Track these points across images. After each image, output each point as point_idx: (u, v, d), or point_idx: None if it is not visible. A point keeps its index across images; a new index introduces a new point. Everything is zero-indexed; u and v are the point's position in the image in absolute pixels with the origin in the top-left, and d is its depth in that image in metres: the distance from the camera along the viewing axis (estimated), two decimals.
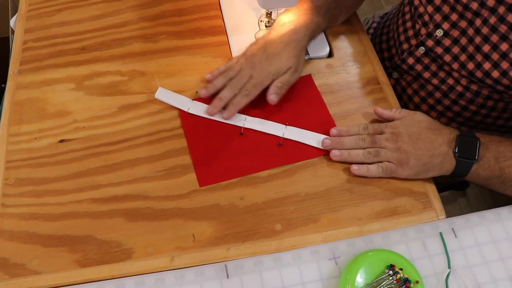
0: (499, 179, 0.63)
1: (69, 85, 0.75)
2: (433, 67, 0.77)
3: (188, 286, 0.57)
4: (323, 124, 0.71)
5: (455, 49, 0.72)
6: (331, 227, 0.62)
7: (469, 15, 0.68)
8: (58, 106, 0.72)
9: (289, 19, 0.72)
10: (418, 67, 0.79)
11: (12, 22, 0.86)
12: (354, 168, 0.65)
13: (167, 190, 0.65)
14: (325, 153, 0.68)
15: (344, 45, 0.81)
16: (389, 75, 0.83)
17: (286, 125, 0.70)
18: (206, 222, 0.62)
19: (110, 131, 0.70)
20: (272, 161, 0.67)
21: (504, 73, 0.67)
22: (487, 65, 0.68)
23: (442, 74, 0.76)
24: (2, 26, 1.18)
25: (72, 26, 0.82)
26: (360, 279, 0.55)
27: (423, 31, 0.76)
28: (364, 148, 0.66)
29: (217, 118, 0.70)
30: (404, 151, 0.64)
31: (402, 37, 0.82)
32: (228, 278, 0.58)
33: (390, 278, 0.54)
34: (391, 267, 0.55)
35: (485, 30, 0.67)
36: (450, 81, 0.75)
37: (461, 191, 1.25)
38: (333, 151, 0.67)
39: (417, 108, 0.83)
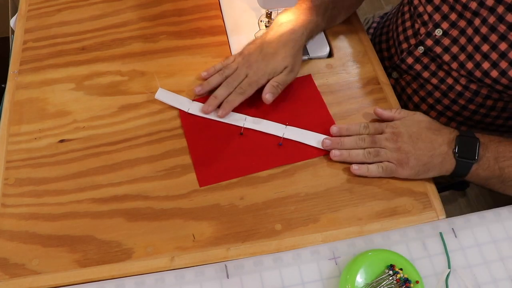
0: (498, 179, 0.63)
1: (69, 85, 0.75)
2: (432, 67, 0.77)
3: (188, 286, 0.57)
4: (323, 124, 0.71)
5: (454, 49, 0.72)
6: (331, 227, 0.62)
7: (468, 14, 0.68)
8: (58, 106, 0.72)
9: (287, 19, 0.72)
10: (418, 67, 0.79)
11: (12, 22, 0.86)
12: (354, 167, 0.65)
13: (167, 190, 0.65)
14: (325, 153, 0.68)
15: (344, 45, 0.81)
16: (389, 75, 0.83)
17: (286, 125, 0.70)
18: (206, 222, 0.62)
19: (110, 131, 0.70)
20: (272, 161, 0.67)
21: (503, 73, 0.67)
22: (486, 65, 0.68)
23: (441, 74, 0.76)
24: (2, 26, 1.18)
25: (72, 26, 0.82)
26: (360, 279, 0.55)
27: (422, 30, 0.76)
28: (364, 148, 0.66)
29: (216, 118, 0.70)
30: (404, 151, 0.64)
31: (401, 37, 0.82)
32: (228, 278, 0.58)
33: (390, 278, 0.54)
34: (391, 267, 0.55)
35: (484, 29, 0.67)
36: (449, 80, 0.75)
37: (461, 191, 1.24)
38: (333, 151, 0.67)
39: (416, 107, 0.83)
